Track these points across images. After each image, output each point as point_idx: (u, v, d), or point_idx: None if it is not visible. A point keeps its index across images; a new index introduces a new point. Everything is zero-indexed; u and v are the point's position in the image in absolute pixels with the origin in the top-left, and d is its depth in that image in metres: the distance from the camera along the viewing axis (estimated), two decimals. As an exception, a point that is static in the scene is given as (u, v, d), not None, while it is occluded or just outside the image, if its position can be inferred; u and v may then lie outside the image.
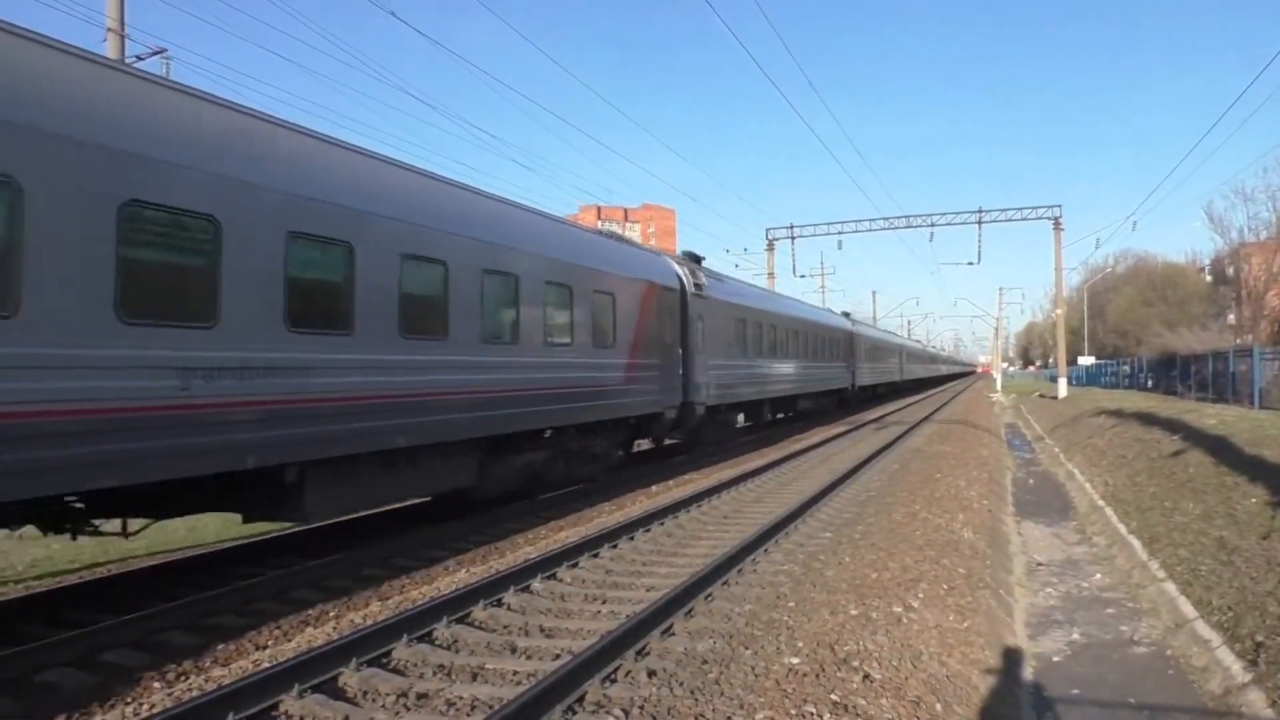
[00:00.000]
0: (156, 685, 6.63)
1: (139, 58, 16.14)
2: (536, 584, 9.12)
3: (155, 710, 5.89)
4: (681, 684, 6.13)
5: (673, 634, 7.46)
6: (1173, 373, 44.61)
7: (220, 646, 7.54)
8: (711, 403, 20.88)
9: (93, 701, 6.31)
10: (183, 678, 6.79)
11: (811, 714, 5.64)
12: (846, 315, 44.97)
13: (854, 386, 41.29)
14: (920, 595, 8.71)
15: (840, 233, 53.29)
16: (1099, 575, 12.56)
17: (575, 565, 9.98)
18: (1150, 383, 51.39)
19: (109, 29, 14.60)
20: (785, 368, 28.55)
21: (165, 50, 17.17)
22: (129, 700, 6.31)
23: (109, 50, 14.31)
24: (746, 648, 6.90)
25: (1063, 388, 52.87)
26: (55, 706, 6.19)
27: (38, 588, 9.82)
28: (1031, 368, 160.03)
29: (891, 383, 58.59)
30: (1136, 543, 13.59)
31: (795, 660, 6.60)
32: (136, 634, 7.65)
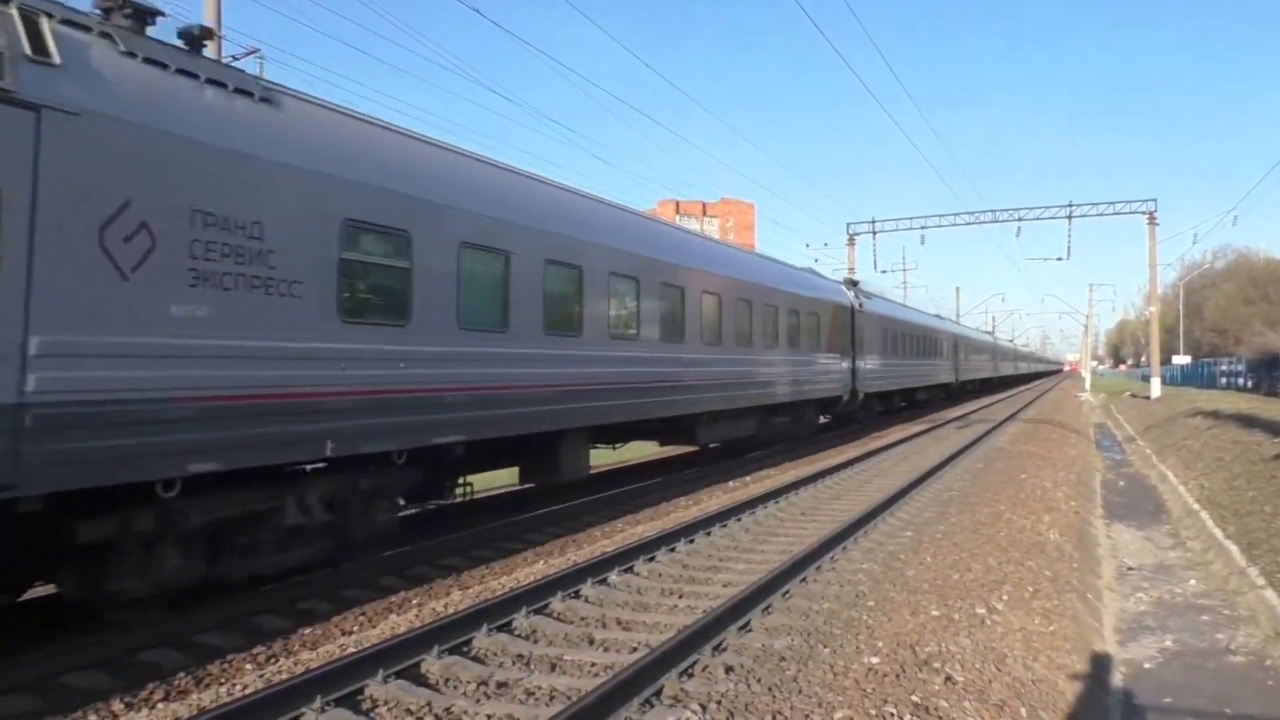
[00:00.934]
0: (248, 667, 6.86)
1: (234, 57, 16.66)
2: (614, 577, 9.17)
3: (247, 690, 6.09)
4: (759, 680, 6.10)
5: (750, 630, 7.43)
6: (1275, 373, 42.87)
7: (308, 630, 7.76)
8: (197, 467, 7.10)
9: (189, 680, 6.56)
10: (273, 660, 7.01)
11: (892, 715, 5.56)
12: (854, 284, 29.35)
13: (859, 394, 27.10)
14: (1004, 597, 8.52)
15: (923, 227, 52.15)
16: (1193, 581, 12.10)
17: (652, 559, 10.00)
18: (1249, 383, 49.45)
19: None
20: (642, 356, 14.22)
21: (258, 50, 17.67)
22: (223, 680, 6.54)
23: (207, 50, 14.80)
24: (825, 646, 6.84)
25: (1156, 387, 51.06)
26: (155, 684, 6.45)
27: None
28: (1123, 366, 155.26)
29: (938, 385, 43.53)
30: (1234, 548, 13.06)
31: (875, 660, 6.52)
32: (229, 616, 7.93)
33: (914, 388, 37.37)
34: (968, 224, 51.15)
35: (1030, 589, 9.05)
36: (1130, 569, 12.82)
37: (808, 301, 22.54)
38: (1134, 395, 59.53)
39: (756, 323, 18.82)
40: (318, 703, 5.67)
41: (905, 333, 34.41)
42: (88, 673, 6.63)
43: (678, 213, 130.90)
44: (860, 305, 27.72)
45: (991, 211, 50.39)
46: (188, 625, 7.59)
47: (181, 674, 6.67)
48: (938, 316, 51.63)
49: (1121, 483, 22.13)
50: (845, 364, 25.87)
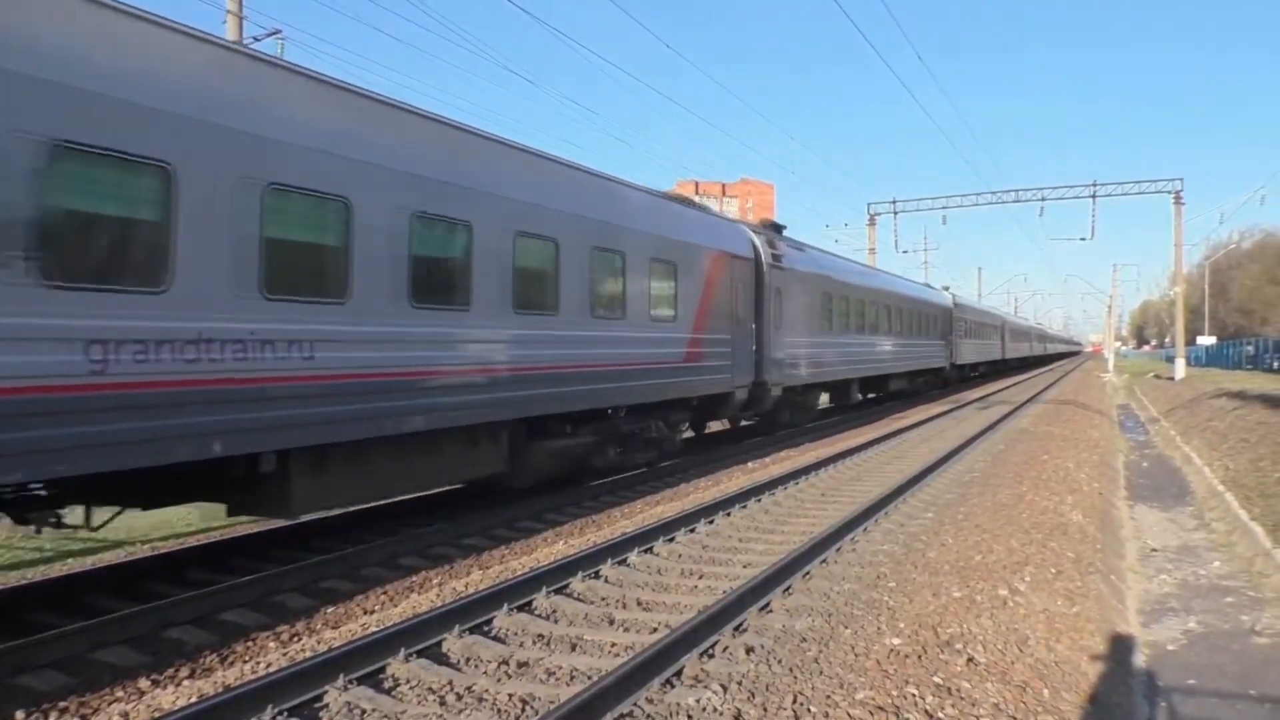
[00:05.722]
0: (272, 645, 6.93)
1: (255, 38, 16.72)
2: (633, 557, 9.19)
3: (271, 668, 6.14)
4: (780, 661, 6.10)
5: (771, 611, 7.43)
6: (1302, 353, 42.45)
7: (331, 610, 7.84)
8: None
9: (214, 658, 6.64)
10: (296, 638, 7.08)
11: (913, 695, 5.55)
12: (777, 229, 21.94)
13: (769, 389, 18.35)
14: (1027, 579, 8.47)
15: (945, 207, 51.97)
16: (1218, 563, 11.99)
17: (672, 540, 10.01)
18: (1276, 364, 48.97)
19: (229, 11, 15.21)
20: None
21: (280, 31, 17.80)
22: (247, 658, 6.61)
23: (228, 32, 14.88)
24: (846, 627, 6.83)
25: (1180, 368, 50.53)
26: (180, 661, 6.53)
27: (163, 548, 10.35)
28: (1146, 347, 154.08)
29: (924, 372, 34.45)
30: (1259, 529, 12.92)
31: (897, 641, 6.50)
32: (254, 595, 8.00)
33: (881, 376, 28.63)
34: (990, 204, 50.91)
35: (1053, 570, 9.00)
36: (1154, 550, 12.72)
37: (651, 241, 13.97)
38: (1158, 376, 59.02)
39: (491, 265, 10.33)
40: (340, 681, 5.71)
41: (861, 300, 25.49)
42: (116, 649, 6.72)
43: (697, 192, 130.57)
44: (778, 259, 19.17)
45: (1014, 191, 50.13)
46: (213, 603, 7.67)
47: (207, 651, 6.75)
48: (925, 285, 41.55)
49: (1145, 464, 21.95)
50: (743, 344, 17.24)
